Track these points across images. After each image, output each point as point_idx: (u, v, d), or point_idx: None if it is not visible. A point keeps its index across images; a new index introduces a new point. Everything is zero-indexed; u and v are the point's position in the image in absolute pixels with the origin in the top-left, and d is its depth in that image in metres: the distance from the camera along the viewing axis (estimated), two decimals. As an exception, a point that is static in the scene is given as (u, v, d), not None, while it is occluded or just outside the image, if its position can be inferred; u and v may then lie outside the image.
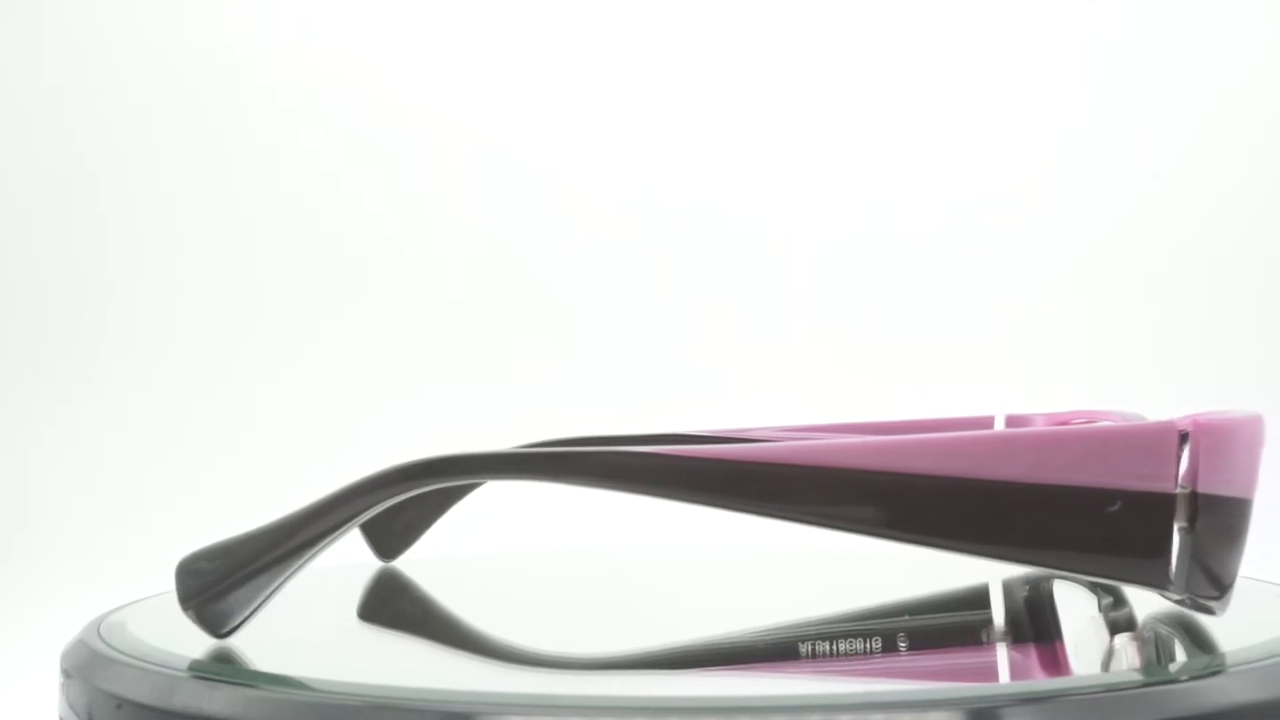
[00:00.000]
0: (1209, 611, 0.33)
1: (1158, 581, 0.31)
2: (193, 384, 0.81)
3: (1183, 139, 0.78)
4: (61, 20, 0.83)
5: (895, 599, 0.40)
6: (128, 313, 0.82)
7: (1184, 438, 0.31)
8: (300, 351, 0.81)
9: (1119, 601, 0.36)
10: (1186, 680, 0.28)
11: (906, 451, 0.31)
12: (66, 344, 0.82)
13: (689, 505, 0.32)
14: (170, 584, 0.34)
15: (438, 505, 0.45)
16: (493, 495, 0.40)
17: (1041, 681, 0.31)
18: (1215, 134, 0.78)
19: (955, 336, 0.78)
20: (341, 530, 0.33)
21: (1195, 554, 0.32)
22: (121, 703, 0.30)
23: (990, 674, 0.33)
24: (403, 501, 0.44)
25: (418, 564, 0.46)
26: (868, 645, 0.33)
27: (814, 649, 0.33)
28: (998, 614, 0.37)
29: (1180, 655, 0.32)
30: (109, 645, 0.33)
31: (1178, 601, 0.33)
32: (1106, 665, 0.32)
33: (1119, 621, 0.34)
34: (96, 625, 0.35)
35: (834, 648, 0.33)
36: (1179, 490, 0.31)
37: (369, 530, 0.45)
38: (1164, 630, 0.33)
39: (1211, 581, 0.32)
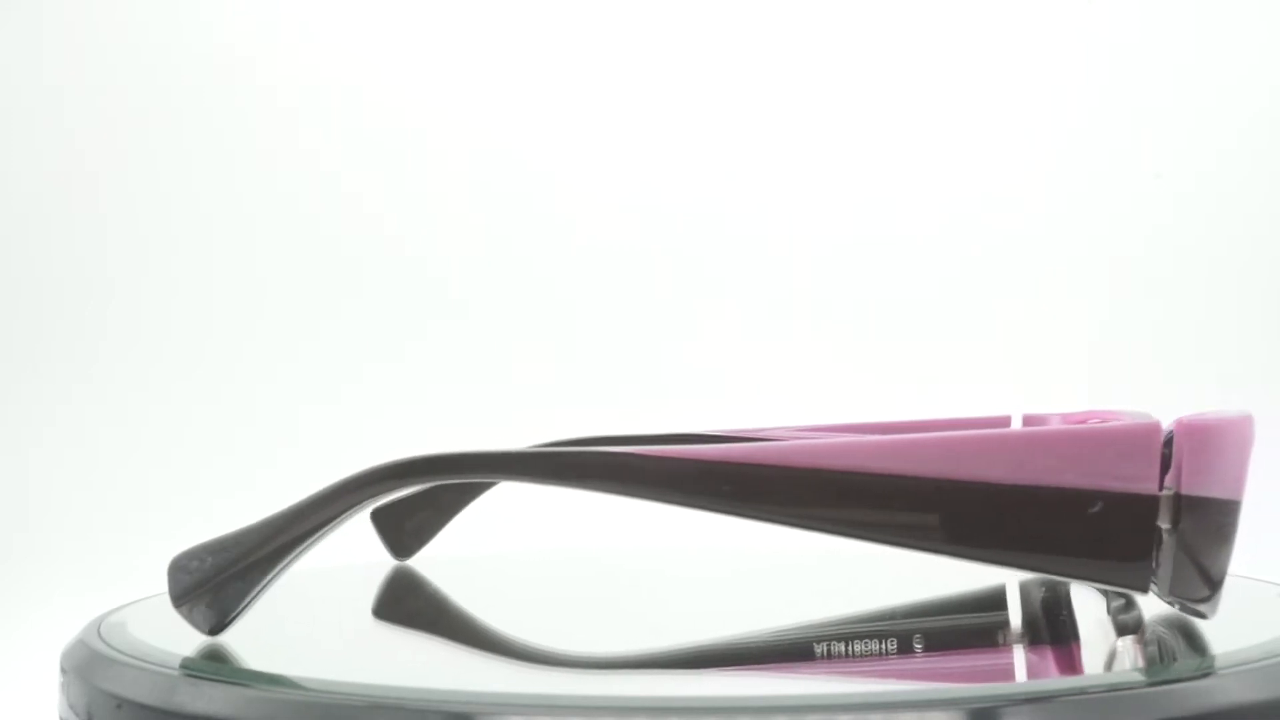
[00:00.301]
0: (1198, 615, 0.33)
1: (1139, 584, 0.31)
2: (193, 384, 0.81)
3: (1183, 139, 0.78)
4: (61, 20, 0.83)
5: (907, 600, 0.40)
6: (128, 313, 0.82)
7: (1170, 439, 0.31)
8: (300, 351, 0.81)
9: (1129, 604, 0.36)
10: (1186, 680, 0.28)
11: (883, 452, 0.31)
12: (66, 344, 0.82)
13: (666, 506, 0.32)
14: (170, 584, 0.34)
15: (451, 505, 0.46)
16: (508, 495, 0.40)
17: (1041, 681, 0.31)
18: (1215, 134, 0.78)
19: (955, 336, 0.78)
20: (328, 528, 0.33)
21: (1179, 556, 0.31)
22: (121, 703, 0.30)
23: (1005, 676, 0.33)
24: (416, 502, 0.45)
25: (431, 563, 0.46)
26: (883, 646, 0.33)
27: (829, 650, 0.33)
28: (1014, 616, 0.37)
29: (1181, 656, 0.32)
30: (109, 645, 0.33)
31: (1169, 603, 0.33)
32: (1109, 666, 0.32)
33: (1127, 624, 0.34)
34: (96, 625, 0.35)
35: (849, 648, 0.33)
36: (1163, 492, 0.31)
37: (384, 530, 0.46)
38: (1165, 631, 0.33)
39: (1197, 584, 0.32)
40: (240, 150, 0.83)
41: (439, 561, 0.46)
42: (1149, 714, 0.27)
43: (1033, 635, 0.35)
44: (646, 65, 0.82)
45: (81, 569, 0.77)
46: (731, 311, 0.80)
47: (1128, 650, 0.32)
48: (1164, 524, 0.31)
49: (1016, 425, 0.42)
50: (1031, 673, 0.33)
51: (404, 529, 0.46)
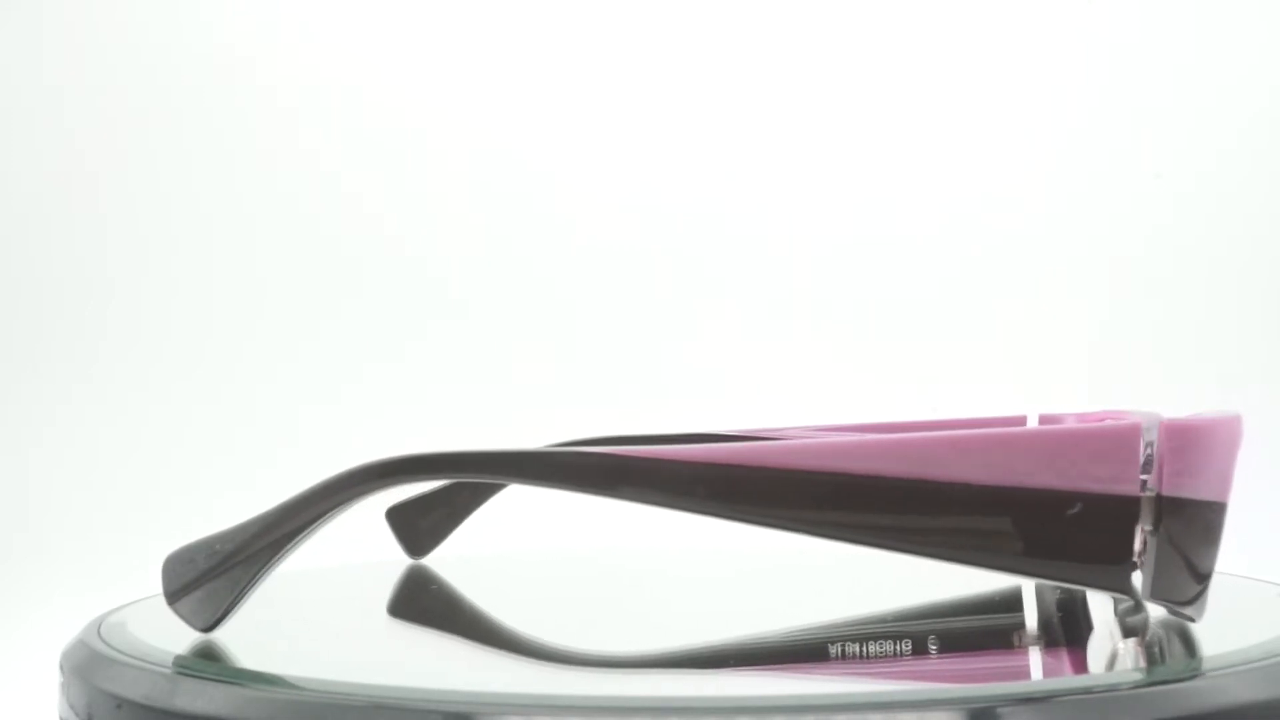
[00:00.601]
0: (1184, 617, 0.32)
1: (1120, 586, 0.31)
2: (193, 384, 0.81)
3: (1183, 139, 0.78)
4: (61, 20, 0.83)
5: (921, 601, 0.39)
6: (128, 313, 0.82)
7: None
8: (300, 351, 0.81)
9: (1137, 605, 0.36)
10: (1186, 680, 0.28)
11: (859, 453, 0.31)
12: (66, 344, 0.82)
13: (640, 507, 0.32)
14: (170, 584, 0.34)
15: (466, 505, 0.46)
16: (518, 495, 0.40)
17: (1041, 681, 0.31)
18: (1215, 134, 0.78)
19: (955, 336, 0.78)
20: (316, 526, 0.33)
21: (1161, 558, 0.31)
22: (121, 703, 0.30)
23: (1017, 678, 0.33)
24: (431, 501, 0.45)
25: (440, 562, 0.46)
26: (898, 647, 0.33)
27: (844, 650, 0.33)
28: (1029, 617, 0.37)
29: (1180, 656, 0.32)
30: (109, 645, 0.33)
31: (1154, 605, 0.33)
32: (1109, 667, 0.32)
33: (1134, 625, 0.34)
34: (96, 625, 0.35)
35: (864, 649, 0.33)
36: (1144, 493, 0.31)
37: (399, 529, 0.46)
38: (1167, 632, 0.33)
39: (1180, 586, 0.32)
40: (240, 150, 0.83)
41: (447, 561, 0.47)
42: (1148, 714, 0.27)
43: (1048, 637, 0.35)
44: (646, 65, 0.82)
45: (81, 569, 0.77)
46: (731, 311, 0.80)
47: (1129, 651, 0.32)
48: (1146, 526, 0.31)
49: (1033, 425, 0.42)
50: (1037, 674, 0.33)
51: (419, 528, 0.46)
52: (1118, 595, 0.31)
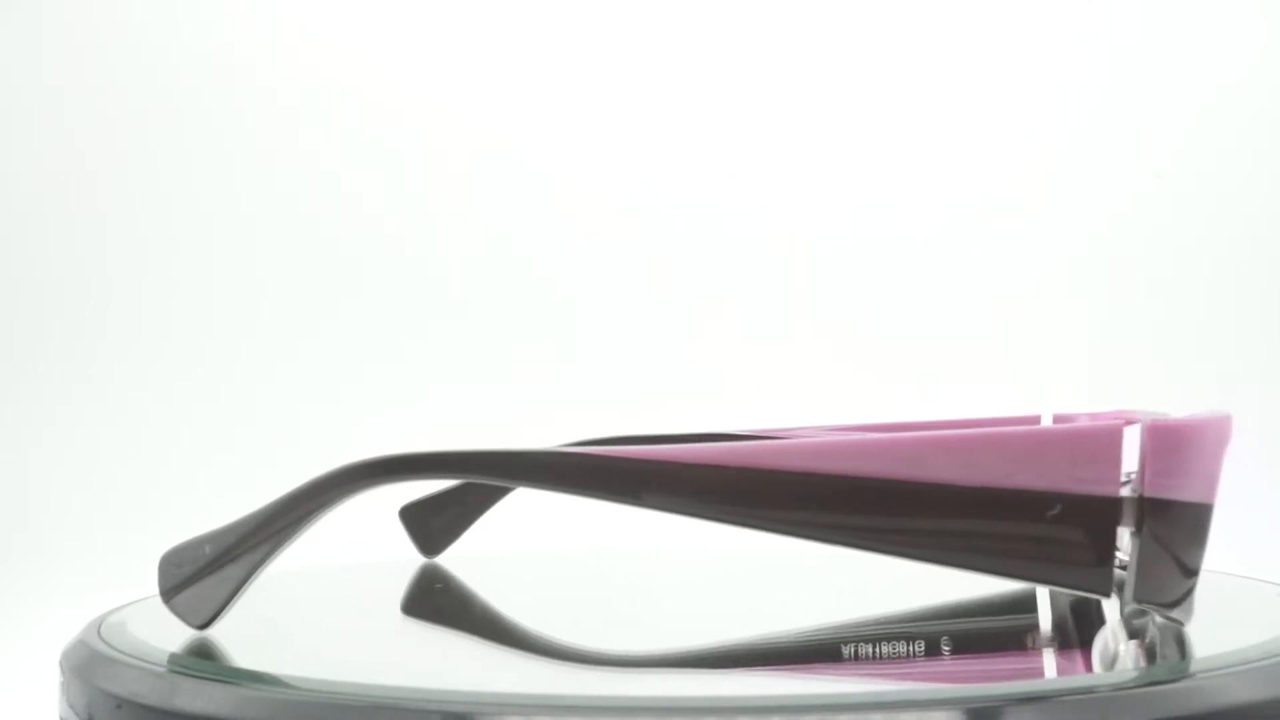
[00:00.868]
0: (1173, 620, 0.32)
1: (1102, 588, 0.31)
2: (193, 384, 0.81)
3: (1183, 139, 0.78)
4: (61, 20, 0.83)
5: (934, 602, 0.39)
6: (128, 313, 0.82)
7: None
8: (300, 351, 0.81)
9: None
10: (1185, 680, 0.28)
11: (836, 453, 0.31)
12: (66, 344, 0.82)
13: (617, 507, 0.32)
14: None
15: (479, 504, 0.46)
16: (537, 494, 0.40)
17: (1040, 681, 0.31)
18: (1215, 134, 0.78)
19: (955, 336, 0.78)
20: (306, 524, 0.34)
21: (1144, 560, 0.31)
22: (121, 703, 0.30)
23: (1030, 679, 0.33)
24: (443, 500, 0.46)
25: (459, 560, 0.47)
26: (910, 648, 0.33)
27: (856, 651, 0.33)
28: (1043, 619, 0.37)
29: (1180, 656, 0.32)
30: (109, 645, 0.33)
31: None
32: (1109, 667, 0.32)
33: (1139, 626, 0.34)
34: (96, 625, 0.35)
35: (876, 650, 0.33)
36: (1126, 494, 0.30)
37: (412, 528, 0.46)
38: (1168, 632, 0.33)
39: (1164, 589, 0.31)
40: (240, 150, 0.83)
41: (457, 560, 0.47)
42: (1147, 714, 0.27)
43: (1061, 639, 0.35)
44: (646, 65, 0.82)
45: (81, 569, 0.77)
46: (731, 311, 0.80)
47: (1129, 652, 0.32)
48: (1129, 527, 0.31)
49: (1046, 425, 0.42)
50: (1040, 675, 0.33)
51: (432, 527, 0.47)
52: (1099, 597, 0.31)
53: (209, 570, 0.34)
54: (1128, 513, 0.31)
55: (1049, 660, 0.34)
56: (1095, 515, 0.30)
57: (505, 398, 0.79)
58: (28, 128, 0.83)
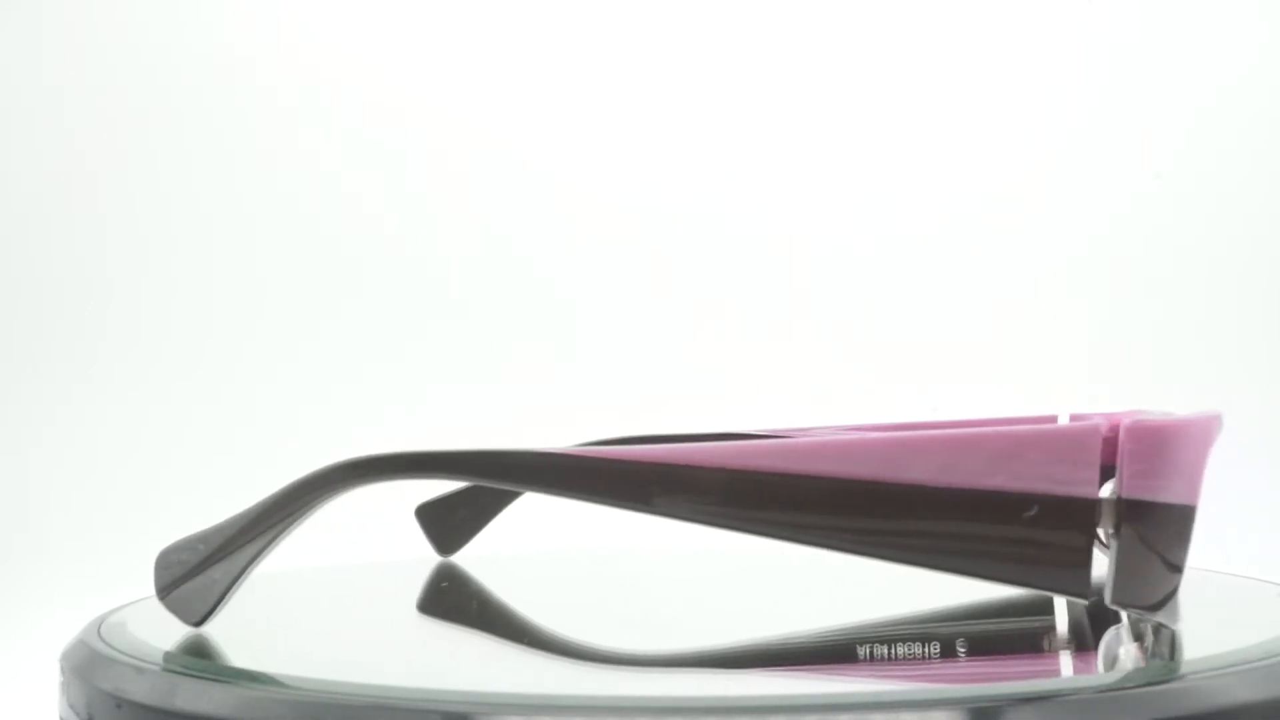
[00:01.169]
0: (1160, 624, 0.32)
1: (1079, 591, 0.30)
2: (193, 384, 0.81)
3: (1183, 139, 0.78)
4: (61, 20, 0.83)
5: (949, 603, 0.39)
6: (128, 313, 0.82)
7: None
8: (300, 351, 0.81)
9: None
10: (1185, 680, 0.28)
11: (809, 454, 0.31)
12: (66, 344, 0.82)
13: (596, 507, 0.32)
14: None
15: (492, 504, 0.46)
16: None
17: (1040, 681, 0.31)
18: (1215, 134, 0.78)
19: (955, 336, 0.78)
20: (295, 522, 0.34)
21: (1122, 563, 0.30)
22: (121, 703, 0.30)
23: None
24: (458, 499, 0.46)
25: (473, 559, 0.47)
26: (926, 650, 0.33)
27: (871, 652, 0.33)
28: (1060, 620, 0.36)
29: (1180, 655, 0.32)
30: (109, 645, 0.33)
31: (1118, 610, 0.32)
32: (1109, 667, 0.32)
33: (1148, 628, 0.34)
34: (96, 625, 0.35)
35: (891, 651, 0.33)
36: (1105, 496, 0.30)
37: (428, 527, 0.46)
38: (1166, 631, 0.33)
39: (1143, 591, 0.31)
40: (240, 150, 0.83)
41: (470, 559, 0.47)
42: (1147, 714, 0.27)
43: (1078, 641, 0.35)
44: (646, 65, 0.82)
45: (81, 569, 0.77)
46: (731, 311, 0.80)
47: (1130, 653, 0.32)
48: (1107, 529, 0.30)
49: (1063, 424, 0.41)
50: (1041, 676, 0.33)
51: (447, 525, 0.47)
52: (1077, 599, 0.31)
53: (201, 568, 0.34)
54: (1106, 514, 0.30)
55: (1065, 662, 0.34)
56: (1072, 516, 0.30)
57: (505, 398, 0.79)
58: (28, 128, 0.83)
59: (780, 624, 0.38)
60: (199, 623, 0.34)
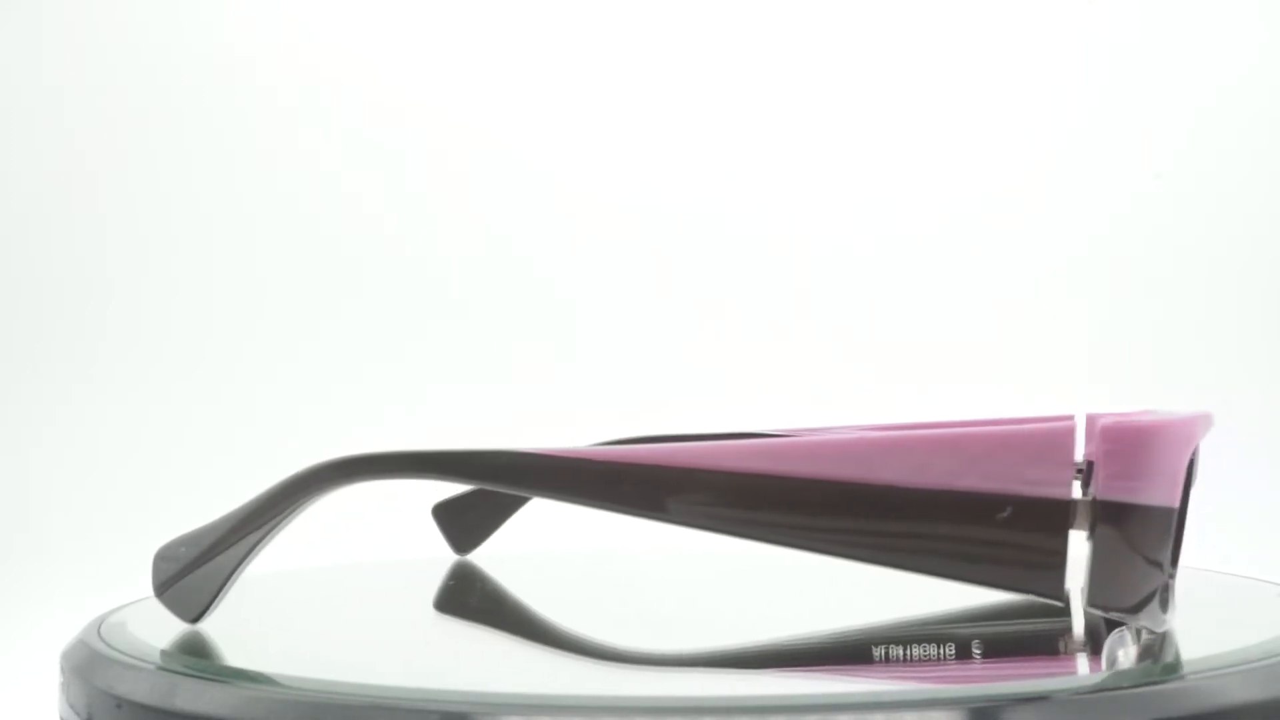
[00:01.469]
0: (1138, 627, 0.32)
1: (1053, 592, 0.30)
2: (193, 384, 0.81)
3: (1183, 139, 0.78)
4: (61, 20, 0.83)
5: (965, 605, 0.39)
6: (128, 313, 0.82)
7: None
8: (300, 351, 0.81)
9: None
10: (1185, 680, 0.28)
11: (785, 455, 0.31)
12: (66, 344, 0.82)
13: (579, 507, 0.32)
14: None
15: (507, 502, 0.46)
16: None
17: (1040, 681, 0.31)
18: (1215, 134, 0.78)
19: (955, 336, 0.78)
20: (285, 521, 0.34)
21: (1096, 565, 0.30)
22: (121, 703, 0.30)
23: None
24: (473, 499, 0.46)
25: (487, 559, 0.47)
26: (941, 651, 0.33)
27: (887, 653, 0.32)
28: (1077, 622, 0.36)
29: (1180, 655, 0.32)
30: (109, 645, 0.33)
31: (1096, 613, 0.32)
32: (1110, 666, 0.32)
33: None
34: (96, 625, 0.35)
35: (907, 652, 0.32)
36: (1080, 497, 0.30)
37: (444, 526, 0.47)
38: (1170, 633, 0.33)
39: (1119, 594, 0.30)
40: (240, 150, 0.83)
41: (484, 559, 0.47)
42: (1147, 714, 0.27)
43: (1095, 642, 0.35)
44: (646, 65, 0.82)
45: (81, 569, 0.77)
46: (731, 311, 0.80)
47: (1130, 655, 0.32)
48: (1083, 530, 0.30)
49: (1081, 425, 0.41)
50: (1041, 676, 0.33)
51: (462, 525, 0.47)
52: (1050, 601, 0.31)
53: (195, 567, 0.34)
54: (1081, 515, 0.30)
55: (1081, 664, 0.33)
56: (1046, 518, 0.30)
57: (505, 397, 0.79)
58: (28, 128, 0.83)
59: (799, 624, 0.37)
60: (196, 619, 0.34)
